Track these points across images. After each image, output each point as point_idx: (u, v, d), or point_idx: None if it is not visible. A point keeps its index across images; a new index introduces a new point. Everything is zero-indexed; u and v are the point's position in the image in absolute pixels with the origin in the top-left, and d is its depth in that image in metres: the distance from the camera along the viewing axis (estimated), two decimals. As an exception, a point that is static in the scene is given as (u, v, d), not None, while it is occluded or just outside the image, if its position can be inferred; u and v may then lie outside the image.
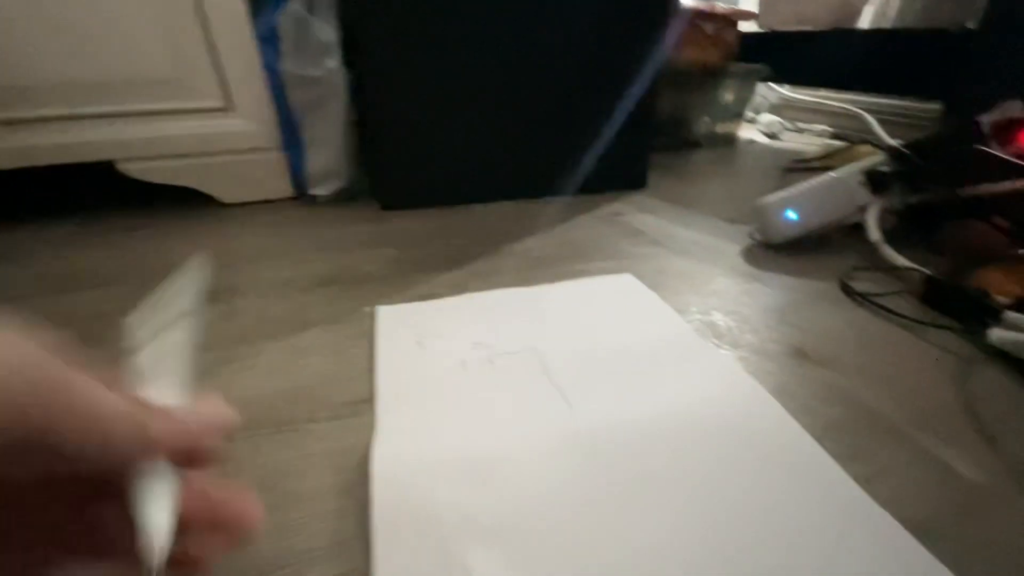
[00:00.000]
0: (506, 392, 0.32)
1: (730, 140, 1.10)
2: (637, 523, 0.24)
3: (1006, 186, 0.47)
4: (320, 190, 0.69)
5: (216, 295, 0.45)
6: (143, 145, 0.61)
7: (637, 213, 0.67)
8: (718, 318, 0.42)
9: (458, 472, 0.26)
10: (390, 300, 0.43)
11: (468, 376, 0.34)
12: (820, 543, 0.23)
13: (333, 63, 0.62)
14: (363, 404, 0.32)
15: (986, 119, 0.50)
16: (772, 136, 1.15)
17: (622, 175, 0.76)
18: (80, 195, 0.70)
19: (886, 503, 0.25)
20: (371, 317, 0.41)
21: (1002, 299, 0.39)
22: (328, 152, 0.67)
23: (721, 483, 0.26)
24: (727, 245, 0.57)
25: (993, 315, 0.38)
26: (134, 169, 0.62)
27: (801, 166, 0.86)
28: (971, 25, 0.75)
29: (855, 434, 0.29)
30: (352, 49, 0.62)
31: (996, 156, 0.47)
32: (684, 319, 0.41)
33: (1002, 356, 0.36)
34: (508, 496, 0.25)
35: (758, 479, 0.26)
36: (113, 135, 0.60)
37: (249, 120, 0.64)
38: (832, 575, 0.22)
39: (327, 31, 0.61)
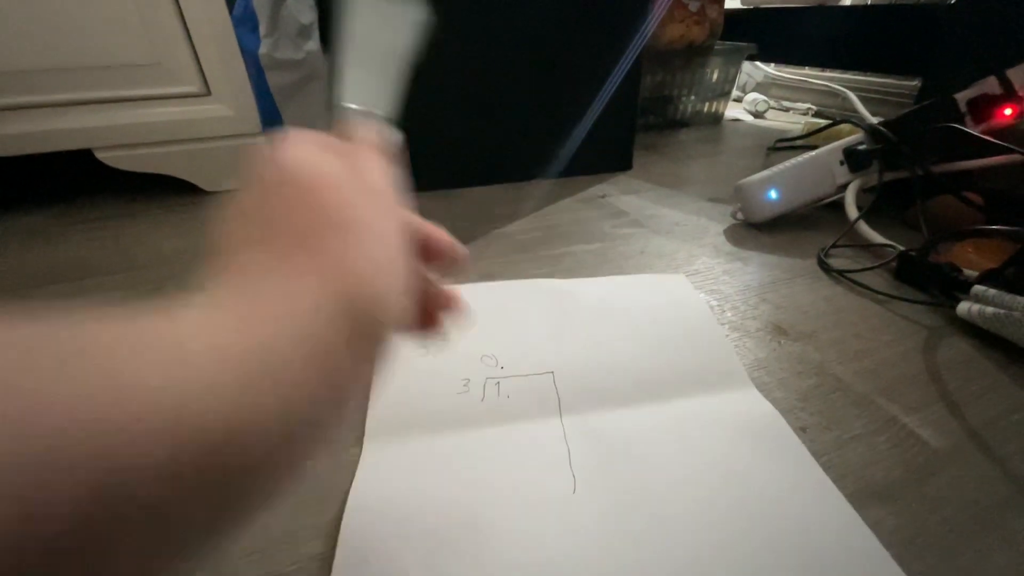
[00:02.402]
0: (509, 437, 0.29)
1: (715, 119, 1.10)
2: None
3: (977, 162, 0.48)
4: (304, 176, 0.69)
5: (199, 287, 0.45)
6: (121, 132, 0.60)
7: (621, 194, 0.68)
8: (700, 297, 0.43)
9: (435, 538, 0.23)
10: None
11: (470, 403, 0.31)
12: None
13: (313, 45, 0.61)
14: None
15: (962, 96, 0.51)
16: (757, 115, 1.15)
17: (608, 157, 0.76)
18: (55, 184, 0.69)
19: (856, 468, 0.27)
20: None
21: (971, 273, 0.40)
22: (311, 137, 0.66)
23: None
24: (710, 224, 0.58)
25: (962, 289, 0.39)
26: (114, 157, 0.61)
27: (785, 145, 0.87)
28: (950, 0, 0.75)
29: (828, 405, 0.31)
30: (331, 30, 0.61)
31: (968, 133, 0.48)
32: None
33: (970, 328, 0.38)
34: (488, 571, 0.22)
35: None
36: (90, 122, 0.58)
37: (228, 105, 0.63)
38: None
39: (305, 12, 0.60)
